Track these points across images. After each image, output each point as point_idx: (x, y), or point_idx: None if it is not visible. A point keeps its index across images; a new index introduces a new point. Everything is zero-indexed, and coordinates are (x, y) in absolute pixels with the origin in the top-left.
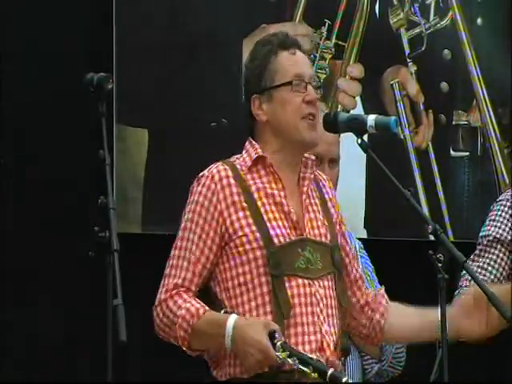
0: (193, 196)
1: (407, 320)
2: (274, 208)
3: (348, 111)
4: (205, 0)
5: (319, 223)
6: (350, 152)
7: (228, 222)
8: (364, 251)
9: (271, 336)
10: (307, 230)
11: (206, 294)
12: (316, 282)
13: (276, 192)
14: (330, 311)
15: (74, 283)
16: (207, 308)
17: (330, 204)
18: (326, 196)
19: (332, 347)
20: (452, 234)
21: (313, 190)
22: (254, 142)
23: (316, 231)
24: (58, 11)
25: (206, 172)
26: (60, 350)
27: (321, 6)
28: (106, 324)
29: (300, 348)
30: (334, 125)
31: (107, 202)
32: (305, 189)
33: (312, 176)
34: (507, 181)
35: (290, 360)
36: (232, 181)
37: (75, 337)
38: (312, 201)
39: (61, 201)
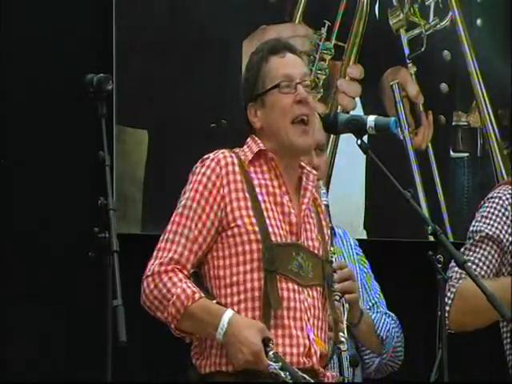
0: (196, 176)
1: None
2: (273, 207)
3: (348, 112)
4: (205, 0)
5: (314, 236)
6: (350, 153)
7: (228, 209)
8: (359, 248)
9: (265, 343)
10: (302, 238)
11: (195, 277)
12: (305, 290)
13: (277, 191)
14: (315, 322)
15: (74, 284)
16: (203, 294)
17: (322, 217)
18: (319, 209)
19: (319, 354)
20: (452, 234)
21: (311, 205)
22: (256, 138)
23: (310, 242)
24: (58, 11)
25: (211, 155)
26: (60, 350)
27: (320, 7)
28: (106, 324)
29: (287, 350)
30: (333, 126)
31: (107, 203)
32: (306, 200)
33: (313, 190)
34: None
35: (282, 373)
36: (237, 169)
37: (75, 337)
38: (310, 214)
39: (61, 201)
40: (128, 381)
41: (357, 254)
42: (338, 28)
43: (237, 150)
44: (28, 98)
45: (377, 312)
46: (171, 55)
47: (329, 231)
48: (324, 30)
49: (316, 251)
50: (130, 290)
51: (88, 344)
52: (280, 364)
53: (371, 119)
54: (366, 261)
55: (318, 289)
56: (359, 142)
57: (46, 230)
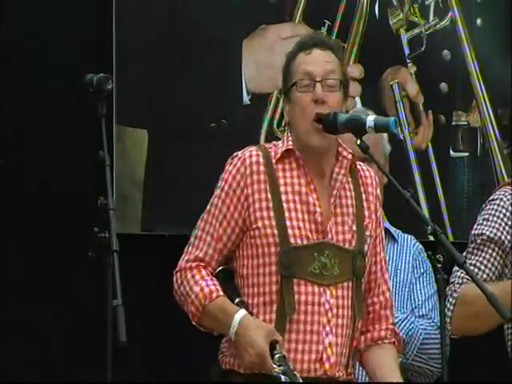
0: (224, 174)
1: (380, 369)
2: (298, 207)
3: (347, 112)
4: (205, 0)
5: (346, 228)
6: None
7: (251, 209)
8: (424, 253)
9: (272, 346)
10: (330, 235)
11: (225, 273)
12: (328, 291)
13: (304, 190)
14: (339, 321)
15: (73, 283)
16: (221, 292)
17: (365, 205)
18: (364, 196)
19: (333, 359)
20: (452, 234)
21: (348, 189)
22: (289, 134)
23: (340, 236)
24: (58, 11)
25: (239, 153)
26: (60, 350)
27: (320, 7)
28: (106, 324)
29: (299, 357)
30: (333, 126)
31: (107, 203)
32: (334, 192)
33: (344, 178)
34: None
35: (282, 377)
36: (262, 168)
37: (75, 337)
38: (343, 201)
39: (61, 201)
40: (128, 381)
41: (413, 258)
42: (337, 27)
43: (271, 145)
44: (28, 98)
45: (415, 316)
46: (171, 55)
47: (375, 206)
48: (324, 30)
49: (346, 244)
50: (130, 290)
51: (88, 344)
52: (283, 368)
53: (371, 119)
54: (422, 266)
55: (345, 284)
56: (359, 141)
57: (46, 230)
